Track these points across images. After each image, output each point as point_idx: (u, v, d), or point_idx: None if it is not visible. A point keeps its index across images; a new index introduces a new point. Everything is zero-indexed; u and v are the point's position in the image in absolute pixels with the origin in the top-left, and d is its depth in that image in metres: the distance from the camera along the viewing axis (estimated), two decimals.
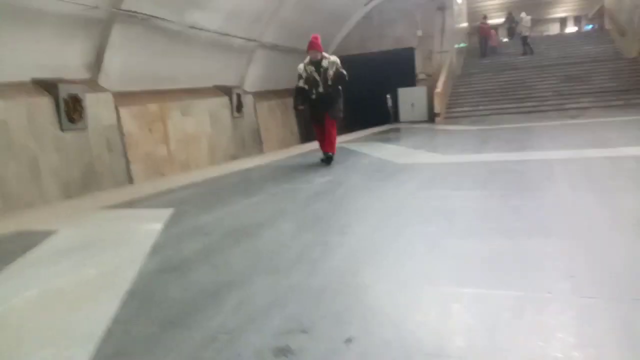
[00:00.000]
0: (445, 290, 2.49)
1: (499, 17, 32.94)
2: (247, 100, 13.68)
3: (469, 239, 3.30)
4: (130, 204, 5.57)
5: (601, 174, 5.29)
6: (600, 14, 27.80)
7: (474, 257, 2.95)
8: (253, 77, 14.19)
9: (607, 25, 23.00)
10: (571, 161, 6.21)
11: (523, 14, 21.13)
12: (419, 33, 17.83)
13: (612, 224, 3.45)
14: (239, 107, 13.03)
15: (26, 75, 7.71)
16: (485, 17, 23.25)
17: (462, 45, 21.53)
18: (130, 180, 9.22)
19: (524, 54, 20.15)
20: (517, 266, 2.73)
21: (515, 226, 3.55)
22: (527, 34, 20.48)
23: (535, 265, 2.72)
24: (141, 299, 2.63)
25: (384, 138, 11.90)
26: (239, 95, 13.02)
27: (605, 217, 3.63)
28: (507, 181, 5.27)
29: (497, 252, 3.01)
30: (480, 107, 16.40)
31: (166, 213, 4.74)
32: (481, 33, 21.91)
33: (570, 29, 40.32)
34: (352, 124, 19.28)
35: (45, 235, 4.14)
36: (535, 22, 34.68)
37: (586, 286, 2.40)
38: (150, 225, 4.32)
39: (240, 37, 12.62)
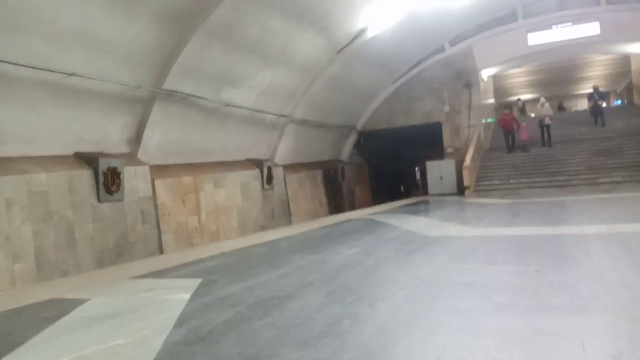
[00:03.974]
0: None
1: (526, 93, 33.36)
2: (277, 173, 13.98)
3: (504, 315, 3.18)
4: (160, 274, 5.62)
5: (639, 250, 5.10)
6: (628, 89, 27.95)
7: (510, 335, 2.83)
8: (283, 151, 14.58)
9: (637, 100, 23.02)
10: (607, 236, 6.02)
11: (542, 100, 18.53)
12: (446, 109, 18.21)
13: None
14: (270, 180, 13.31)
15: (69, 149, 8.15)
16: (508, 108, 19.63)
17: (489, 120, 21.71)
18: (161, 249, 9.34)
19: (543, 145, 17.55)
20: (557, 345, 2.61)
21: (552, 302, 3.41)
22: (549, 122, 17.42)
23: (576, 344, 2.58)
24: None
25: (413, 210, 11.84)
26: (269, 168, 13.34)
27: None
28: (542, 255, 5.12)
29: (535, 329, 2.88)
30: (511, 181, 16.25)
31: (194, 283, 4.76)
32: (502, 126, 18.08)
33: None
34: (381, 196, 19.38)
35: (77, 303, 4.20)
36: (564, 97, 35.04)
37: None
38: (178, 295, 4.33)
39: (273, 113, 13.15)
